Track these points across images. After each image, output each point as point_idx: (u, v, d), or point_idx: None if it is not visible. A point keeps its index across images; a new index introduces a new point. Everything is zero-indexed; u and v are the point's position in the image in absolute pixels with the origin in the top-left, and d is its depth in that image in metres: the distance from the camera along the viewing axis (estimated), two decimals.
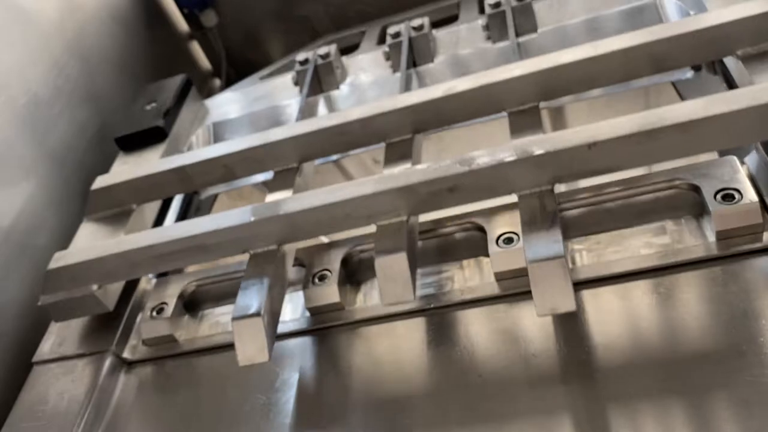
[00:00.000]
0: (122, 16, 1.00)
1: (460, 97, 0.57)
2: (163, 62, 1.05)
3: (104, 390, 0.58)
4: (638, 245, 0.50)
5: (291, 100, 0.78)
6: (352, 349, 0.54)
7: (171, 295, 0.61)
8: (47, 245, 0.73)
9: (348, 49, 0.86)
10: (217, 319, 0.62)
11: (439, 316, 0.53)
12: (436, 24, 0.81)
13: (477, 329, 0.51)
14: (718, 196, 0.48)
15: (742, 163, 0.50)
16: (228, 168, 0.62)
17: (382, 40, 0.83)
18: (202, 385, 0.57)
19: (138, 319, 0.63)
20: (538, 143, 0.48)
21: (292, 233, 0.53)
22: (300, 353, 0.55)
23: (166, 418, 0.56)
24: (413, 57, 0.74)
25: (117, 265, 0.57)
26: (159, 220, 0.70)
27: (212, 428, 0.53)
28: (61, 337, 0.63)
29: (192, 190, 0.68)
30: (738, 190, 0.48)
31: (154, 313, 0.60)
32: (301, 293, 0.57)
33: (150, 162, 0.70)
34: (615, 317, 0.48)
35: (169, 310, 0.60)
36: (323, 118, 0.61)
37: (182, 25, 1.15)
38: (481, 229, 0.54)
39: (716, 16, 0.52)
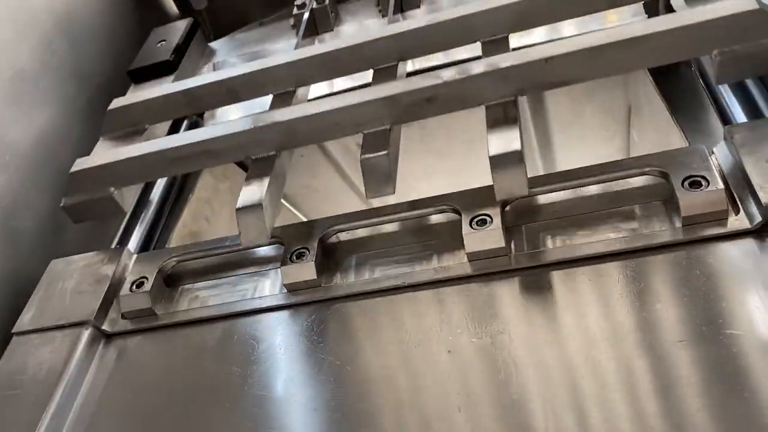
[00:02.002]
0: None
1: (440, 26, 0.64)
2: None
3: (82, 361, 0.60)
4: (608, 229, 0.53)
5: (289, 41, 0.85)
6: (327, 325, 0.55)
7: (151, 270, 0.63)
8: (31, 225, 0.74)
9: None
10: (196, 294, 0.63)
11: (413, 294, 0.55)
12: None
13: (449, 307, 0.53)
14: (686, 183, 0.50)
15: (711, 152, 0.53)
16: (232, 90, 0.70)
17: None
18: (180, 357, 0.58)
19: (118, 292, 0.63)
20: (502, 59, 0.56)
21: (289, 140, 0.61)
22: (276, 328, 0.57)
23: (144, 389, 0.57)
24: (401, 3, 0.81)
25: (133, 169, 0.64)
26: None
27: (189, 399, 0.54)
28: (41, 308, 0.64)
29: (200, 110, 0.76)
30: (705, 178, 0.50)
31: (134, 287, 0.62)
32: (279, 270, 0.59)
33: (161, 88, 0.78)
34: (583, 298, 0.49)
35: (148, 284, 0.62)
36: (316, 47, 0.68)
37: (172, 6, 1.13)
38: (457, 211, 0.56)
39: None
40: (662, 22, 0.52)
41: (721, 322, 0.44)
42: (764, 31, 0.51)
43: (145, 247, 0.78)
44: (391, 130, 0.59)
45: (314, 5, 0.84)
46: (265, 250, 0.63)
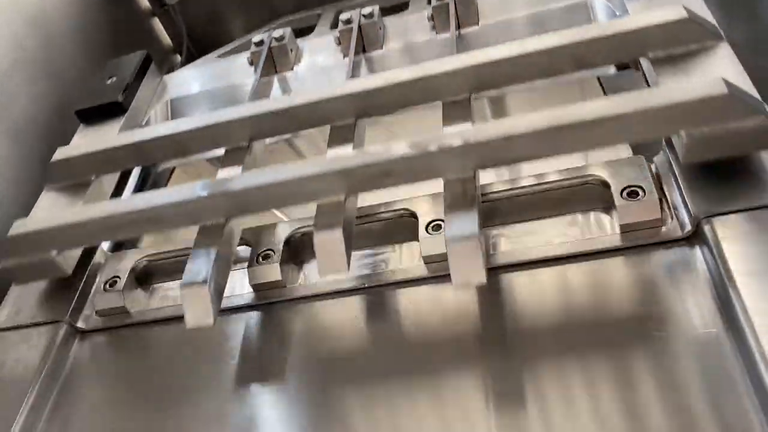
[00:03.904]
0: None
1: (399, 86, 0.61)
2: (124, 38, 1.07)
3: (58, 357, 0.62)
4: (552, 235, 0.56)
5: (246, 79, 0.82)
6: (292, 324, 0.59)
7: (123, 269, 0.66)
8: (5, 222, 0.72)
9: (304, 30, 0.90)
10: (167, 293, 0.66)
11: (372, 295, 0.58)
12: (389, 10, 0.86)
13: (406, 307, 0.56)
14: (624, 193, 0.54)
15: (651, 162, 0.56)
16: (181, 144, 0.66)
17: (335, 25, 0.87)
18: (151, 354, 0.61)
19: (92, 291, 0.66)
20: (462, 135, 0.53)
21: (239, 208, 0.58)
22: (243, 326, 0.60)
23: (117, 384, 0.60)
24: (363, 43, 0.78)
25: (74, 234, 0.61)
26: (117, 192, 0.73)
27: (160, 394, 0.57)
28: (17, 306, 0.66)
29: (147, 164, 0.72)
30: (642, 188, 0.53)
31: (107, 286, 0.65)
32: (246, 271, 0.61)
33: (108, 136, 0.74)
34: (528, 299, 0.53)
35: (121, 283, 0.64)
36: (271, 101, 0.65)
37: (143, 1, 1.16)
38: (414, 216, 0.59)
39: (631, 20, 0.57)
40: (630, 101, 0.50)
41: (650, 325, 0.48)
42: (732, 115, 0.48)
43: (117, 245, 0.76)
44: (346, 200, 0.56)
45: (273, 43, 0.80)
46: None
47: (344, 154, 0.57)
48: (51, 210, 0.67)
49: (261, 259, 0.61)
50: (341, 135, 0.62)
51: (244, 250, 0.64)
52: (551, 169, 0.58)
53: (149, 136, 0.66)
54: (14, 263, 0.63)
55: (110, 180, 0.72)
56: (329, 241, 0.53)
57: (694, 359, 0.45)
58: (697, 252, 0.51)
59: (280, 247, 0.61)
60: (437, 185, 0.55)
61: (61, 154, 0.70)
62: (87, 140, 0.76)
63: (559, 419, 0.46)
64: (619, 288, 0.51)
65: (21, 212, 0.74)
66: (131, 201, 0.60)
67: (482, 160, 0.53)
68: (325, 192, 0.56)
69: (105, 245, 0.75)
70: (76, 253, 0.65)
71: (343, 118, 0.63)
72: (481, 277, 0.49)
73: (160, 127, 0.68)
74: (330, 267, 0.54)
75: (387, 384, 0.52)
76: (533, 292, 0.53)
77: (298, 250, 0.63)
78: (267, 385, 0.55)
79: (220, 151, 0.67)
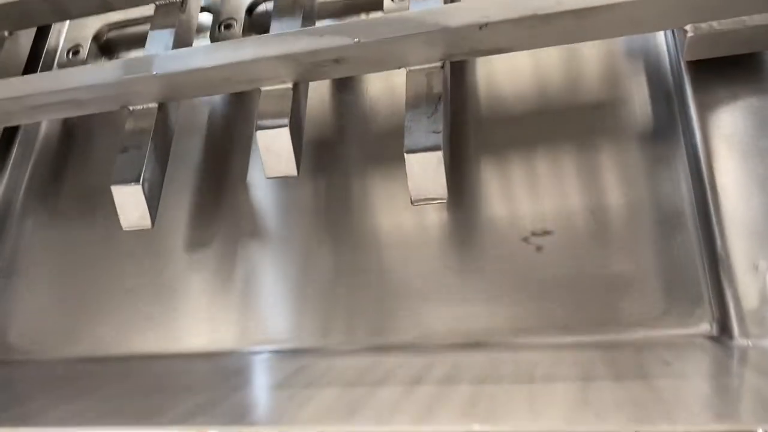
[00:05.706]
0: None
1: None
2: None
3: (28, 128, 0.64)
4: None
5: None
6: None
7: (85, 37, 0.63)
8: None
9: None
10: None
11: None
12: None
13: (373, 80, 0.56)
14: None
15: None
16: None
17: None
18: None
19: (55, 59, 0.64)
20: (430, 17, 0.44)
21: (170, 93, 0.50)
22: (211, 99, 0.60)
23: (87, 163, 0.61)
24: None
25: None
26: (33, 52, 0.64)
27: None
28: None
29: (65, 18, 0.62)
30: None
31: (70, 55, 0.63)
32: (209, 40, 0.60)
33: None
34: (495, 62, 0.53)
35: (84, 52, 0.62)
36: None
37: None
38: None
39: None
40: None
41: (611, 92, 0.49)
42: (747, 7, 0.40)
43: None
44: (294, 88, 0.48)
45: None
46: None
47: (288, 36, 0.48)
48: None
49: (223, 29, 0.58)
50: (288, 6, 0.53)
51: (205, 18, 0.61)
52: None
53: None
54: None
55: (27, 35, 0.62)
56: (275, 141, 0.47)
57: (642, 128, 0.47)
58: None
59: (242, 15, 0.58)
60: None
61: None
62: None
63: (518, 180, 0.48)
64: (585, 60, 0.51)
65: None
66: (50, 80, 0.51)
67: (451, 48, 0.45)
68: (269, 79, 0.48)
69: None
70: None
71: None
72: (442, 194, 0.44)
73: None
74: (277, 170, 0.48)
75: (356, 152, 0.53)
76: (501, 60, 0.53)
77: (262, 20, 0.59)
78: (236, 149, 0.57)
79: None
